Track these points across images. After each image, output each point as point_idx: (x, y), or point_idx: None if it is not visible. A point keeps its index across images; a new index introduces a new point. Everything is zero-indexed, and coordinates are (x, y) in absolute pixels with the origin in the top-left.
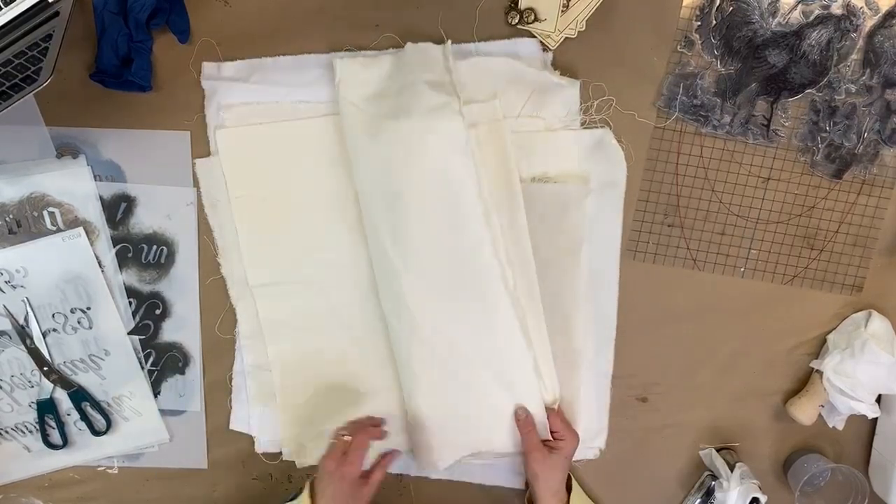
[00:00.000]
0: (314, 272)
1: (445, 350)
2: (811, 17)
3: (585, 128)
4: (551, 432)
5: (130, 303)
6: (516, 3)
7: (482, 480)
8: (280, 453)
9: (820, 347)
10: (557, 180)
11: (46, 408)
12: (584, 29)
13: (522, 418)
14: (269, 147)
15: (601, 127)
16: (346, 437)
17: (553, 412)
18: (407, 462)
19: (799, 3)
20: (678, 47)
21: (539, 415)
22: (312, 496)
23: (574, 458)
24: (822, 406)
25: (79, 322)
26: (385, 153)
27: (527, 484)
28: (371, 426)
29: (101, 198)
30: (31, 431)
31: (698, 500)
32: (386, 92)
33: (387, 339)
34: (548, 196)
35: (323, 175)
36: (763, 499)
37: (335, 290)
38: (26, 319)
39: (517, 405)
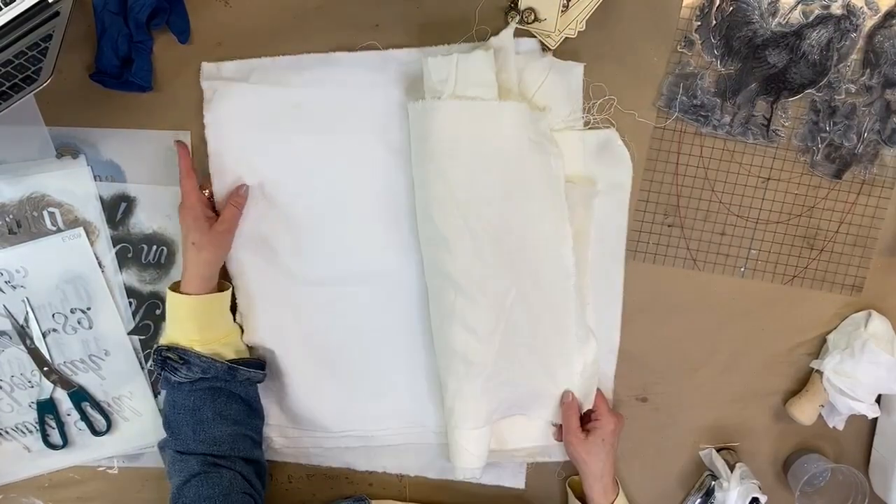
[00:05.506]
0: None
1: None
2: (811, 17)
3: (590, 128)
4: (588, 413)
5: (130, 303)
6: (516, 3)
7: (482, 480)
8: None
9: (820, 347)
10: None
11: (46, 408)
12: (584, 29)
13: (568, 401)
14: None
15: (606, 127)
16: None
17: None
18: (406, 462)
19: (799, 3)
20: (678, 47)
21: (579, 394)
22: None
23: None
24: (822, 406)
25: (79, 322)
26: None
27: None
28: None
29: (101, 198)
30: (31, 431)
31: (698, 500)
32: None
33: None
34: None
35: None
36: (763, 499)
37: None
38: (26, 319)
39: (563, 390)
